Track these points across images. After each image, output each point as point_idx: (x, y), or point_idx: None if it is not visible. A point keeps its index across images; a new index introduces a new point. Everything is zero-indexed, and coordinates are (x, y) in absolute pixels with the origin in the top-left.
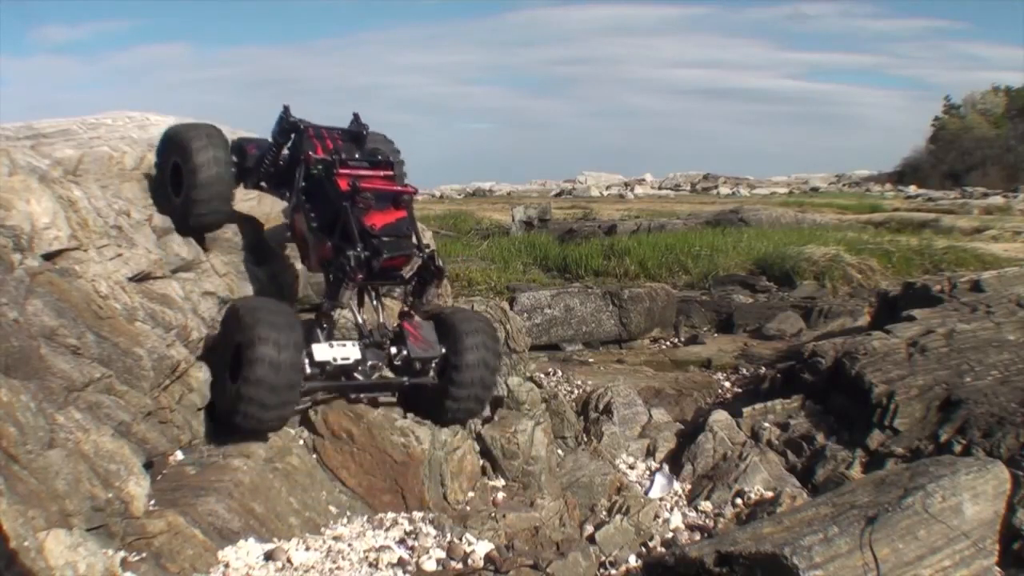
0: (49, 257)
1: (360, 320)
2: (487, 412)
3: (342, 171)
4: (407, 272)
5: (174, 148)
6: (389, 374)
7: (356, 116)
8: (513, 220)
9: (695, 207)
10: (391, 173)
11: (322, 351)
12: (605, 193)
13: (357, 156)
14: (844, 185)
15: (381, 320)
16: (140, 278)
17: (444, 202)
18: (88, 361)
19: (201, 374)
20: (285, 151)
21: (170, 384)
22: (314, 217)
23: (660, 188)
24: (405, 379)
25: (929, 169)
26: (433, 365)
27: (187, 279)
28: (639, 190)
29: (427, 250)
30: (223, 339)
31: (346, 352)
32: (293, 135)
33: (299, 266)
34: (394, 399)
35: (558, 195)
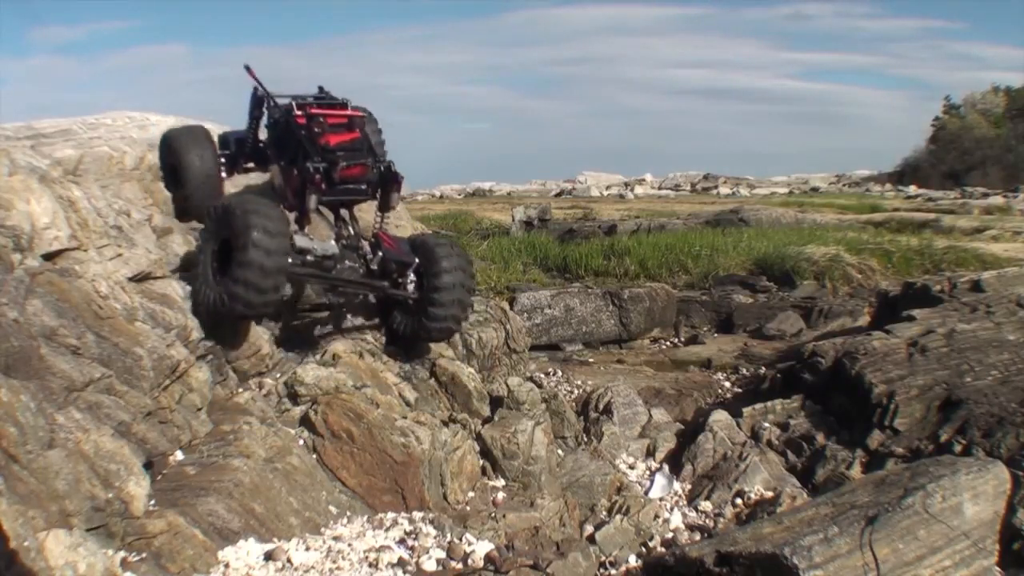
0: (49, 257)
1: (336, 229)
2: (487, 412)
3: (299, 112)
4: (367, 184)
5: (169, 151)
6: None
7: (320, 89)
8: (513, 220)
9: (695, 207)
10: (346, 112)
11: (303, 240)
12: (605, 193)
13: (318, 93)
14: (844, 185)
15: (355, 232)
16: (140, 278)
17: (444, 202)
18: (88, 361)
19: (201, 374)
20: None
21: (170, 384)
22: (281, 155)
23: (660, 188)
24: (386, 283)
25: (929, 169)
26: (412, 278)
27: (187, 279)
28: (639, 190)
29: (384, 160)
30: (211, 236)
31: (325, 246)
32: (258, 96)
33: None
34: (376, 321)
35: (558, 195)
